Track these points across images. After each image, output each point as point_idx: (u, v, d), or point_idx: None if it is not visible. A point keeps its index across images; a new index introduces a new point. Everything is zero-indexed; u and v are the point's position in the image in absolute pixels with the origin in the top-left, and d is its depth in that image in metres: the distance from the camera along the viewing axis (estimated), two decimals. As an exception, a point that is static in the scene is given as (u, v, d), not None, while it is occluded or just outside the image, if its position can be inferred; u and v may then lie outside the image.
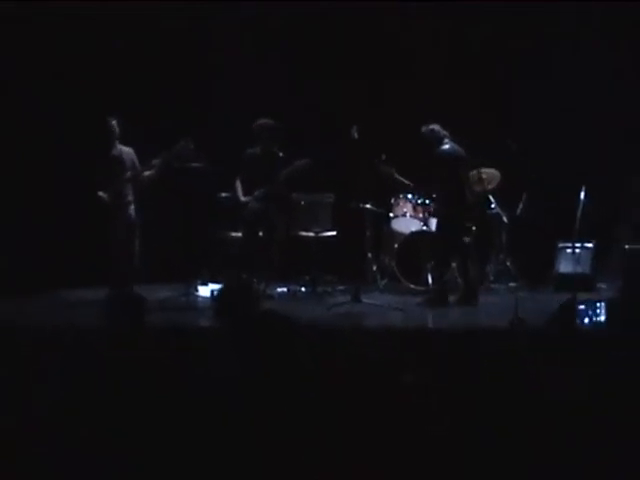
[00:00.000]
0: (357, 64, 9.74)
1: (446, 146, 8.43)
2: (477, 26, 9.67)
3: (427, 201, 9.34)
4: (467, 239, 9.32)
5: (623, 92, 9.41)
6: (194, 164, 8.47)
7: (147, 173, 8.47)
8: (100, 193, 8.40)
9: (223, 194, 9.06)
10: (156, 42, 9.59)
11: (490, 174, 9.15)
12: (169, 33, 9.69)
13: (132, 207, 8.49)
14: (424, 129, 8.50)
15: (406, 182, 9.22)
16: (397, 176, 9.19)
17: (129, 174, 8.45)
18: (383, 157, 8.61)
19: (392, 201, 9.41)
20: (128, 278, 8.34)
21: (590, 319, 7.36)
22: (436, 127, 8.48)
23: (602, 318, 7.44)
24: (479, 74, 9.59)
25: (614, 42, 9.50)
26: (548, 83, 9.61)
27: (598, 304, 7.50)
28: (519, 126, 9.31)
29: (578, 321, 6.79)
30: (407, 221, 9.32)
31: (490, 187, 9.13)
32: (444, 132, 8.47)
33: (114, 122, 8.45)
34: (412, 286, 8.93)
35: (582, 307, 7.33)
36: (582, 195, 9.12)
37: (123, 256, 8.38)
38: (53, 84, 9.43)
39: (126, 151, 8.51)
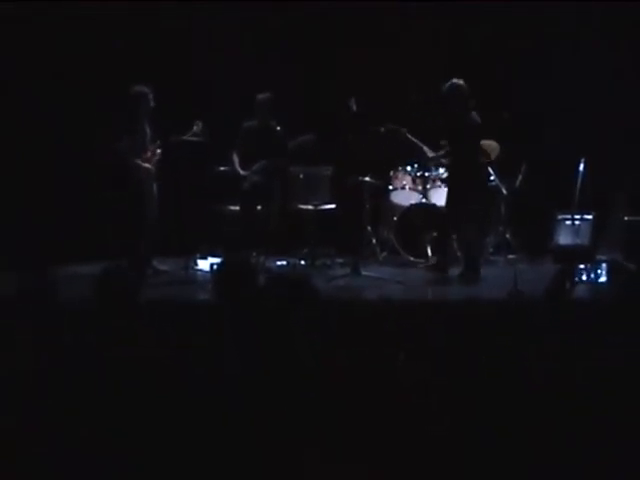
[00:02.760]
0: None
1: (474, 113, 8.06)
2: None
3: (427, 173, 9.29)
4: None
5: (620, 71, 9.42)
6: (191, 138, 8.47)
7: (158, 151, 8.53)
8: (147, 165, 8.40)
9: (221, 167, 9.04)
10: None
11: (489, 146, 9.11)
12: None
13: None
14: (454, 83, 8.01)
15: (419, 143, 8.72)
16: (410, 136, 8.69)
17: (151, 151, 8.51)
18: (382, 129, 8.53)
19: (391, 174, 9.37)
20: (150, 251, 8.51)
21: (591, 279, 7.38)
22: (464, 84, 8.02)
23: (603, 279, 7.46)
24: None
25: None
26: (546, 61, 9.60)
27: (599, 266, 7.52)
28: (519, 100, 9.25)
29: (578, 281, 6.78)
30: (406, 194, 9.30)
31: (489, 159, 9.11)
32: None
33: (151, 96, 8.40)
34: (411, 258, 8.93)
35: (582, 267, 7.35)
36: (581, 167, 9.11)
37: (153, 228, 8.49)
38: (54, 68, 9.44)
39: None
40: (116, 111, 8.49)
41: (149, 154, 8.43)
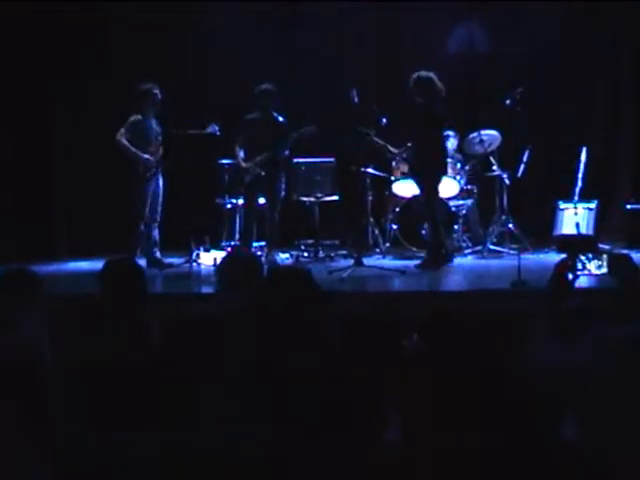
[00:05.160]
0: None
1: (438, 105, 8.15)
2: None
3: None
4: (470, 201, 9.33)
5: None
6: (195, 132, 8.48)
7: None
8: (147, 156, 8.40)
9: (224, 160, 9.04)
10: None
11: (490, 136, 9.12)
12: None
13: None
14: (423, 75, 8.12)
15: (382, 143, 8.84)
16: (375, 139, 8.77)
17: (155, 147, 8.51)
18: (373, 132, 8.53)
19: (393, 164, 9.37)
20: (151, 244, 8.54)
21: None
22: (434, 76, 8.14)
23: (604, 270, 7.44)
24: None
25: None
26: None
27: (600, 257, 7.51)
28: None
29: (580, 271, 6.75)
30: (408, 185, 9.29)
31: (491, 149, 9.11)
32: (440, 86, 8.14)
33: (157, 90, 8.41)
34: (414, 249, 8.93)
35: (582, 257, 7.33)
36: (583, 155, 9.11)
37: (150, 222, 8.51)
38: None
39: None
40: (123, 107, 8.54)
41: (152, 149, 8.45)
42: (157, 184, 8.54)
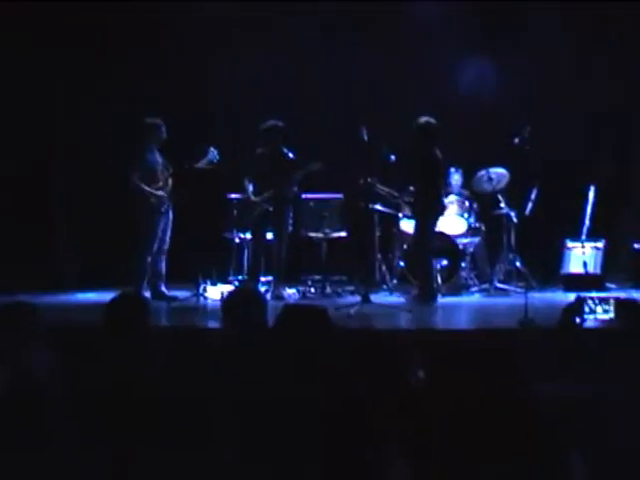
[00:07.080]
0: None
1: (438, 150, 8.34)
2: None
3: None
4: (477, 239, 9.33)
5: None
6: (205, 166, 8.52)
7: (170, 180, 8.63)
8: (161, 192, 8.51)
9: (233, 195, 9.06)
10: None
11: (499, 174, 9.14)
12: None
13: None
14: (423, 121, 8.34)
15: (385, 189, 8.98)
16: (379, 186, 8.92)
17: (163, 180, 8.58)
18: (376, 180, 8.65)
19: (401, 201, 9.38)
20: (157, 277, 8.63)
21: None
22: (434, 122, 8.34)
23: (611, 315, 7.43)
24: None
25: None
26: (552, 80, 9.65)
27: (606, 301, 7.49)
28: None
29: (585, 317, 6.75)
30: (416, 222, 9.29)
31: (499, 187, 9.13)
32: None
33: (163, 128, 8.53)
34: (421, 286, 8.91)
35: (590, 301, 7.31)
36: (591, 194, 9.12)
37: (158, 254, 8.59)
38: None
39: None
40: (129, 142, 8.59)
41: (161, 183, 8.52)
42: (167, 217, 8.62)
